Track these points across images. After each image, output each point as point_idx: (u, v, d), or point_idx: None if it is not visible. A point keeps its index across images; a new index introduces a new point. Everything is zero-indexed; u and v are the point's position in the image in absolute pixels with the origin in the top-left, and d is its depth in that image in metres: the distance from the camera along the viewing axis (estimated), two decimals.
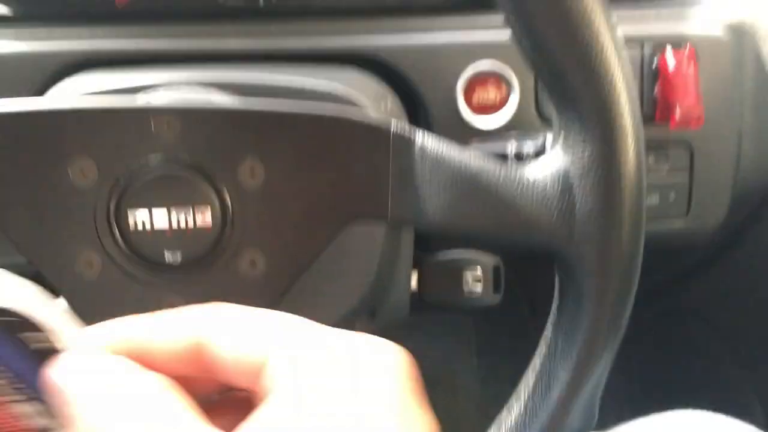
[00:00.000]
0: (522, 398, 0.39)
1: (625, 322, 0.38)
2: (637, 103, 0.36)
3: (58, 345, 0.30)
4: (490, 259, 0.59)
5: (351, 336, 0.27)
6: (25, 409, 0.30)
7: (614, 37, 0.35)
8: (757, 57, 0.62)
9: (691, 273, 0.82)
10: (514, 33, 0.37)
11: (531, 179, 0.37)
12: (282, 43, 0.61)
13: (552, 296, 0.41)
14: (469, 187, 0.37)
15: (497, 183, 0.37)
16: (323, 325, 0.27)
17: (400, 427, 0.24)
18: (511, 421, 0.39)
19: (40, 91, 0.56)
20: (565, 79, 0.35)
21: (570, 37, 0.35)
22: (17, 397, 0.30)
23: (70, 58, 0.57)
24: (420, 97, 0.58)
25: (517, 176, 0.37)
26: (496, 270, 0.59)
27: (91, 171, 0.38)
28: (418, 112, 0.60)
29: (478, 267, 0.59)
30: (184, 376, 0.27)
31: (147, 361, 0.26)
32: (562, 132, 0.37)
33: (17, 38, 0.59)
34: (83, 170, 0.38)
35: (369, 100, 0.51)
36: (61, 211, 0.38)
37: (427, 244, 0.61)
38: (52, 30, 0.60)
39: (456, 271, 0.58)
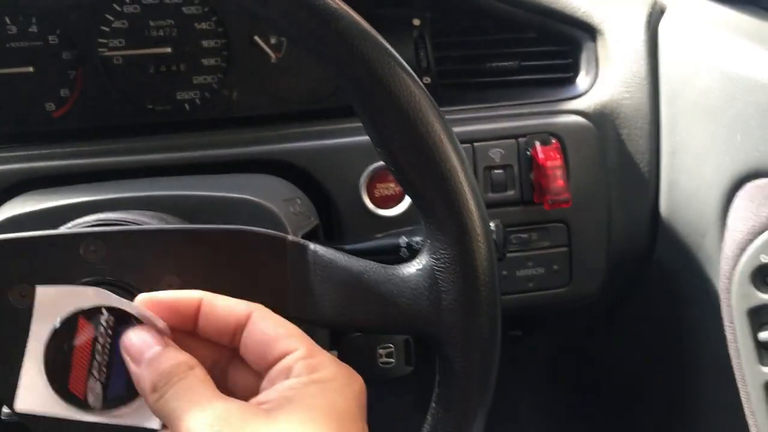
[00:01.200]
0: None
1: (490, 390, 0.45)
2: (484, 210, 0.44)
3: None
4: (400, 336, 0.66)
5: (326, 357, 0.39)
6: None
7: (462, 163, 0.43)
8: (619, 138, 0.72)
9: (588, 332, 0.90)
10: (382, 159, 0.45)
11: (405, 276, 0.44)
12: (203, 154, 0.68)
13: None
14: (354, 285, 0.44)
15: (378, 281, 0.44)
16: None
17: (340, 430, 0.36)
18: None
19: None
20: (424, 198, 0.43)
21: (425, 167, 0.42)
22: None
23: (12, 178, 0.63)
24: (328, 194, 0.66)
25: (395, 275, 0.44)
26: (406, 344, 0.66)
27: (29, 294, 0.43)
28: (328, 208, 0.67)
29: (390, 343, 0.66)
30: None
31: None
32: (428, 239, 0.45)
33: None
34: (22, 294, 0.43)
35: (278, 204, 0.59)
36: (3, 332, 0.43)
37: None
38: None
39: (370, 348, 0.65)
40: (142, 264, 0.44)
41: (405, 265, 0.45)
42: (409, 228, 0.62)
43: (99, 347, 0.41)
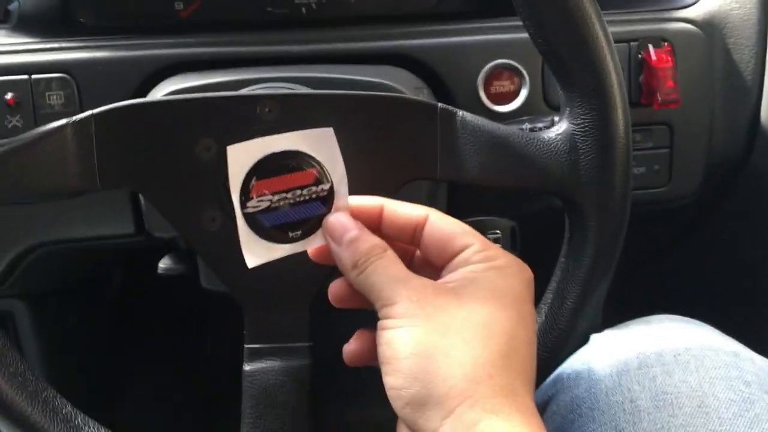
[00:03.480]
0: (543, 312, 0.51)
1: (619, 247, 0.50)
2: (624, 83, 0.49)
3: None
4: (507, 223, 0.71)
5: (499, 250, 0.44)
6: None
7: (606, 35, 0.48)
8: (725, 47, 0.75)
9: (679, 237, 0.94)
10: (529, 33, 0.49)
11: (546, 140, 0.49)
12: (326, 47, 0.72)
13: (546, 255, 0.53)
14: (499, 148, 0.49)
15: (521, 144, 0.49)
16: None
17: (513, 312, 0.41)
18: (536, 329, 0.51)
19: (137, 92, 0.68)
20: (569, 67, 0.48)
21: (572, 36, 0.47)
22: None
23: (159, 63, 0.69)
24: (447, 89, 0.71)
25: (536, 138, 0.49)
26: (513, 231, 0.71)
27: (212, 147, 0.49)
28: (444, 102, 0.72)
29: (498, 229, 0.71)
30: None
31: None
32: (567, 106, 0.50)
33: (105, 48, 0.70)
34: (206, 147, 0.49)
35: (410, 90, 0.64)
36: (189, 179, 0.49)
37: (453, 212, 0.73)
38: (133, 41, 0.71)
39: (479, 233, 0.71)
40: (310, 124, 0.49)
41: (545, 131, 0.50)
42: (528, 117, 0.67)
43: (281, 187, 0.46)
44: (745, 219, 0.83)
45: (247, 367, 0.50)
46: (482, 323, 0.40)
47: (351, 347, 0.46)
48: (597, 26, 0.47)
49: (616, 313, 0.61)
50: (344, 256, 0.44)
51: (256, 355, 0.50)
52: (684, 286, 0.98)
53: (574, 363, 0.53)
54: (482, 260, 0.43)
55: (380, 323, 0.42)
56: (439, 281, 0.43)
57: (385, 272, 0.43)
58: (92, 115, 0.48)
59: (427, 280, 0.43)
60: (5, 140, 0.48)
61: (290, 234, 0.46)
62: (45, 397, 0.49)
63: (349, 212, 0.46)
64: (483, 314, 0.40)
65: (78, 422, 0.49)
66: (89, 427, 0.49)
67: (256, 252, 0.46)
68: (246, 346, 0.50)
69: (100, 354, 1.11)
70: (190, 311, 1.19)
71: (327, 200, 0.46)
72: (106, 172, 0.48)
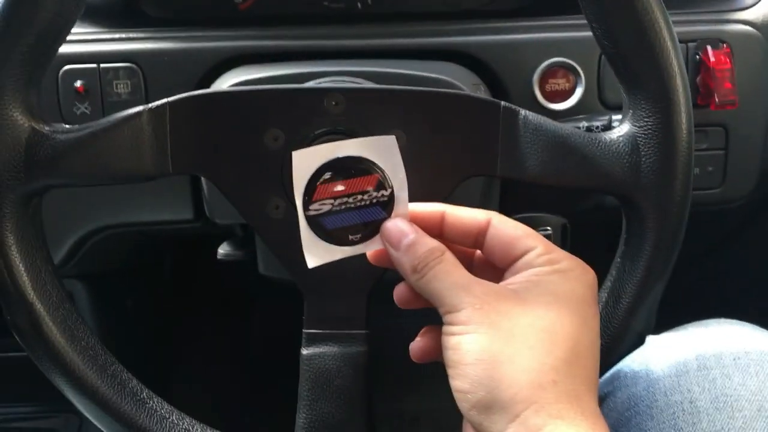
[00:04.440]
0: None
1: (677, 249, 0.50)
2: (689, 87, 0.49)
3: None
4: (558, 220, 0.72)
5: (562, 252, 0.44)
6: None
7: (672, 37, 0.48)
8: None
9: (728, 237, 0.94)
10: (595, 35, 0.50)
11: (608, 141, 0.50)
12: (383, 42, 0.73)
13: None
14: (561, 147, 0.50)
15: (582, 144, 0.50)
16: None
17: (576, 317, 0.42)
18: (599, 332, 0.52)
19: (200, 82, 0.70)
20: (634, 69, 0.48)
21: (639, 39, 0.48)
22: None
23: (221, 55, 0.71)
24: (503, 86, 0.71)
25: (597, 139, 0.50)
26: (563, 228, 0.72)
27: (280, 138, 0.51)
28: (499, 98, 0.72)
29: (548, 226, 0.72)
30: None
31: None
32: (630, 108, 0.50)
33: (170, 39, 0.72)
34: (274, 137, 0.51)
35: (468, 87, 0.65)
36: (257, 168, 0.51)
37: (506, 207, 0.74)
38: (195, 32, 0.73)
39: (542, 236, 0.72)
40: (375, 118, 0.51)
41: (607, 132, 0.51)
42: (584, 116, 0.68)
43: (343, 191, 0.47)
44: None
45: (305, 351, 0.52)
46: (546, 329, 0.41)
47: (418, 344, 0.47)
48: (665, 30, 0.48)
49: (669, 311, 0.61)
50: (403, 261, 0.45)
51: (314, 340, 0.52)
52: (732, 286, 0.98)
53: (631, 362, 0.54)
54: (546, 263, 0.44)
55: (445, 328, 0.43)
56: (502, 283, 0.44)
57: (447, 278, 0.44)
58: (167, 103, 0.50)
59: (490, 284, 0.44)
60: (84, 125, 0.50)
61: (350, 237, 0.48)
62: (113, 371, 0.51)
63: (408, 218, 0.47)
64: (547, 320, 0.41)
65: (143, 396, 0.51)
66: (153, 402, 0.51)
67: (316, 253, 0.48)
68: (305, 330, 0.52)
69: (154, 334, 1.15)
70: (238, 296, 1.22)
71: (387, 205, 0.47)
72: (178, 158, 0.50)
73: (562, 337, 0.41)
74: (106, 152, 0.49)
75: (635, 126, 0.49)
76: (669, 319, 0.61)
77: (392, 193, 0.47)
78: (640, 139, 0.49)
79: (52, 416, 0.98)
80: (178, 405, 0.53)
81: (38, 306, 0.49)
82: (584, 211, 0.72)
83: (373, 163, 0.47)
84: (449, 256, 0.45)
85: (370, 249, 0.48)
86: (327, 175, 0.47)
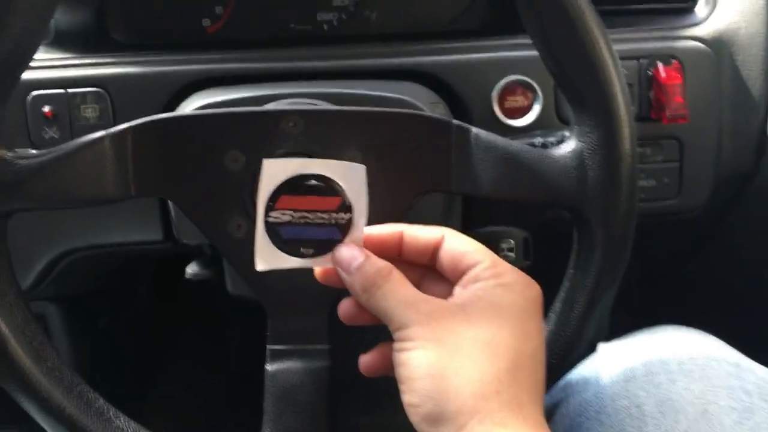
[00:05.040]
0: (551, 320, 0.54)
1: (625, 259, 0.52)
2: (630, 102, 0.51)
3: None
4: (520, 233, 0.74)
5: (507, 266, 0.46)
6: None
7: (612, 55, 0.50)
8: (734, 64, 0.77)
9: (690, 249, 0.96)
10: (540, 55, 0.52)
11: (555, 156, 0.52)
12: (347, 63, 0.75)
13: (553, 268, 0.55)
14: (511, 163, 0.52)
15: (532, 160, 0.52)
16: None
17: (517, 329, 0.43)
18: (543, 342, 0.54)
19: (167, 106, 0.72)
20: (577, 87, 0.50)
21: (580, 57, 0.50)
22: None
23: (188, 78, 0.72)
24: (463, 104, 0.73)
25: (546, 155, 0.52)
26: (525, 241, 0.74)
27: (240, 159, 0.52)
28: (460, 116, 0.74)
29: (511, 239, 0.74)
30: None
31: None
32: (576, 124, 0.52)
33: (137, 63, 0.74)
34: (234, 159, 0.53)
35: (426, 106, 0.66)
36: (218, 188, 0.53)
37: (468, 222, 0.76)
38: (163, 56, 0.75)
39: (493, 242, 0.73)
40: (332, 138, 0.53)
41: (555, 147, 0.53)
42: (540, 131, 0.70)
43: (305, 206, 0.49)
44: (753, 231, 0.85)
45: (269, 368, 0.53)
46: (488, 342, 0.43)
47: (366, 360, 0.49)
48: (604, 49, 0.50)
49: (633, 320, 0.63)
50: (354, 283, 0.47)
51: (278, 356, 0.53)
52: (698, 296, 1.00)
53: (582, 370, 0.56)
54: (490, 277, 0.45)
55: (395, 345, 0.45)
56: (449, 299, 0.46)
57: (395, 296, 0.45)
58: (129, 127, 0.52)
59: (436, 300, 0.45)
60: (47, 150, 0.51)
61: (302, 250, 0.49)
62: (79, 391, 0.52)
63: (362, 244, 0.49)
64: (489, 333, 0.43)
65: (110, 415, 0.52)
66: (120, 421, 0.52)
67: (266, 258, 0.49)
68: (268, 347, 0.53)
69: (130, 354, 1.15)
70: (216, 314, 1.22)
71: (344, 229, 0.49)
72: (141, 181, 0.52)
73: (503, 349, 0.43)
74: (68, 176, 0.51)
75: (581, 141, 0.51)
76: (633, 323, 0.63)
77: (351, 218, 0.49)
78: (586, 153, 0.51)
79: None
80: (153, 423, 0.54)
81: (3, 328, 0.50)
82: (545, 224, 0.74)
83: (339, 186, 0.49)
84: (397, 274, 0.47)
85: (319, 266, 0.50)
86: (293, 188, 0.48)
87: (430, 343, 0.43)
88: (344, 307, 0.49)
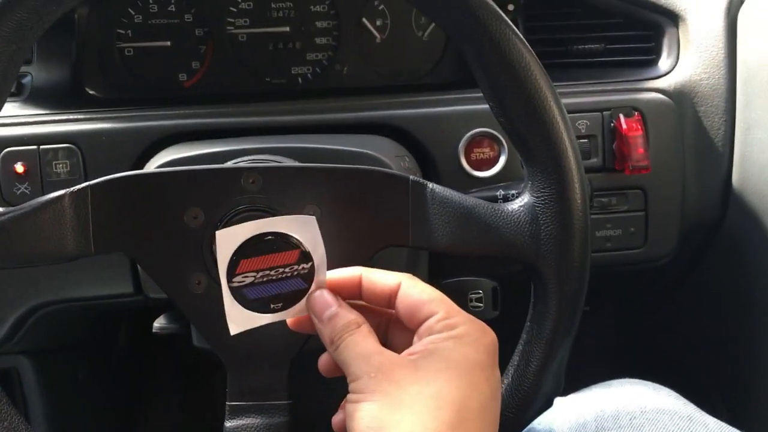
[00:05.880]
0: (509, 373, 0.54)
1: (579, 312, 0.53)
2: (579, 156, 0.52)
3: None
4: (489, 283, 0.74)
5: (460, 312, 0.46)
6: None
7: (562, 113, 0.51)
8: (696, 115, 0.79)
9: (659, 297, 0.96)
10: (493, 112, 0.53)
11: (509, 212, 0.53)
12: (319, 117, 0.77)
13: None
14: (466, 218, 0.52)
15: (486, 215, 0.52)
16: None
17: (464, 381, 0.43)
18: (502, 390, 0.54)
19: (138, 160, 0.72)
20: (528, 143, 0.51)
21: (530, 115, 0.51)
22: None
23: (159, 133, 0.73)
24: (430, 156, 0.74)
25: (500, 210, 0.53)
26: (494, 291, 0.74)
27: (200, 216, 0.53)
28: (428, 168, 0.76)
29: (480, 289, 0.74)
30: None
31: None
32: (529, 180, 0.53)
33: (109, 119, 0.75)
34: (194, 216, 0.53)
35: (391, 159, 0.67)
36: (178, 245, 0.53)
37: (438, 272, 0.77)
38: (136, 112, 0.76)
39: (462, 293, 0.74)
40: (291, 195, 0.53)
41: (509, 203, 0.53)
42: (503, 184, 0.71)
43: (265, 265, 0.50)
44: (721, 279, 0.86)
45: (228, 424, 0.53)
46: (432, 395, 0.43)
47: (339, 417, 0.49)
48: (554, 107, 0.51)
49: (604, 368, 0.63)
50: (324, 332, 0.48)
51: (237, 412, 0.53)
52: (672, 341, 1.00)
53: (537, 425, 0.56)
54: (443, 329, 0.46)
55: (348, 396, 0.45)
56: (403, 353, 0.46)
57: (354, 348, 0.46)
58: (89, 186, 0.52)
59: (387, 354, 0.46)
60: (6, 209, 0.52)
61: (272, 305, 0.50)
62: None
63: (327, 288, 0.50)
64: (434, 386, 0.43)
65: None
66: None
67: (238, 321, 0.50)
68: (228, 403, 0.53)
69: (109, 405, 1.14)
70: (196, 364, 1.22)
71: (307, 277, 0.50)
72: (101, 238, 0.52)
73: (447, 402, 0.43)
74: (28, 235, 0.51)
75: (533, 196, 0.52)
76: (593, 378, 0.63)
77: (312, 266, 0.50)
78: (538, 208, 0.52)
79: None
80: None
81: None
82: (513, 275, 0.75)
83: (295, 239, 0.49)
84: (365, 328, 0.47)
85: (290, 316, 0.50)
86: (250, 251, 0.49)
87: (376, 395, 0.43)
88: (323, 360, 0.50)
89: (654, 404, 0.54)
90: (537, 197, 0.52)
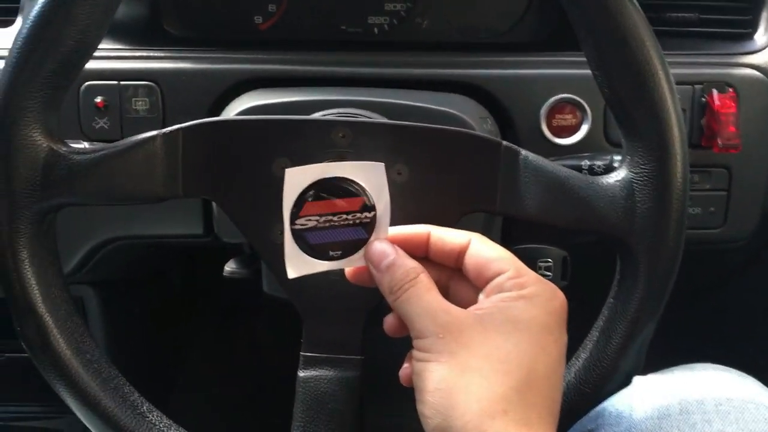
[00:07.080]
0: (588, 348, 0.53)
1: (668, 294, 0.52)
2: (685, 135, 0.50)
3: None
4: (559, 252, 0.73)
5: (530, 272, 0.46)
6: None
7: (671, 87, 0.49)
8: None
9: (727, 278, 0.94)
10: (597, 81, 0.51)
11: (605, 185, 0.51)
12: (396, 71, 0.75)
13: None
14: (559, 189, 0.51)
15: (580, 187, 0.51)
16: None
17: (534, 345, 0.43)
18: (579, 365, 0.53)
19: (216, 103, 0.72)
20: (633, 118, 0.50)
21: (638, 87, 0.49)
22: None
23: (238, 77, 0.72)
24: (511, 119, 0.73)
25: (595, 183, 0.51)
26: (564, 260, 0.73)
27: (288, 166, 0.52)
28: (506, 131, 0.74)
29: (549, 258, 0.73)
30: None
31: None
32: (628, 154, 0.51)
33: (189, 59, 0.75)
34: (282, 165, 0.53)
35: (476, 121, 0.66)
36: (264, 194, 0.53)
37: (508, 237, 0.76)
38: (214, 53, 0.75)
39: (531, 260, 0.73)
40: (380, 151, 0.52)
41: (605, 176, 0.52)
42: (587, 154, 0.69)
43: (329, 209, 0.50)
44: None
45: (301, 374, 0.53)
46: (501, 359, 0.43)
47: (406, 371, 0.49)
48: (663, 80, 0.49)
49: (667, 348, 0.62)
50: (383, 281, 0.48)
51: (310, 363, 0.53)
52: (732, 325, 0.98)
53: (616, 402, 0.55)
54: (513, 287, 0.45)
55: (413, 353, 0.46)
56: (470, 308, 0.46)
57: (418, 303, 0.46)
58: (180, 128, 0.52)
59: (456, 312, 0.45)
60: (100, 146, 0.52)
61: (331, 252, 0.50)
62: (116, 384, 0.53)
63: (390, 241, 0.49)
64: (503, 350, 0.43)
65: (144, 410, 0.53)
66: (153, 416, 0.53)
67: (296, 265, 0.50)
68: (302, 353, 0.54)
69: (160, 342, 1.17)
70: (245, 310, 1.24)
71: (369, 227, 0.50)
72: (189, 181, 0.52)
73: (516, 366, 0.43)
74: (119, 174, 0.51)
75: (632, 172, 0.51)
76: (665, 355, 0.62)
77: (375, 215, 0.49)
78: (636, 185, 0.50)
79: (57, 417, 1.01)
80: (179, 413, 0.55)
81: (47, 319, 0.51)
82: (586, 244, 0.73)
83: (360, 186, 0.49)
84: (424, 278, 0.47)
85: (349, 265, 0.50)
86: (316, 194, 0.49)
87: (443, 356, 0.43)
88: (389, 320, 0.50)
89: (739, 392, 0.53)
90: (636, 173, 0.51)
